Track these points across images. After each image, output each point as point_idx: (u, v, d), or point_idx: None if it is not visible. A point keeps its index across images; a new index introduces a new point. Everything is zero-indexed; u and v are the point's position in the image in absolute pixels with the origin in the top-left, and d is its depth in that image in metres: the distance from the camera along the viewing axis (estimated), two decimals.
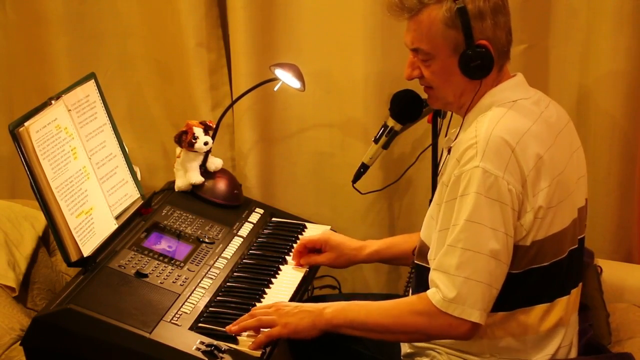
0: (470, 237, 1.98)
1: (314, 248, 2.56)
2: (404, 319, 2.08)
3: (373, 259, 2.54)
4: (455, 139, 2.14)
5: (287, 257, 2.57)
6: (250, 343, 2.13)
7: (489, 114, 2.05)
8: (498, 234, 1.98)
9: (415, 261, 2.20)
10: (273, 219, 2.80)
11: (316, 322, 2.13)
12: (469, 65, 2.04)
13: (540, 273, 2.08)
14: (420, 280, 2.16)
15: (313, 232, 2.74)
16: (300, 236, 2.70)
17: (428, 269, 2.08)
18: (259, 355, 2.11)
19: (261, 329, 2.15)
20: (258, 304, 2.30)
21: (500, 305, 2.06)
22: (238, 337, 2.15)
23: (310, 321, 2.13)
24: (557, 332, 2.13)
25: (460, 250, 1.99)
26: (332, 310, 2.13)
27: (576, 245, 2.17)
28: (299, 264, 2.53)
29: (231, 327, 2.15)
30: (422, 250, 2.16)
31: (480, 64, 2.04)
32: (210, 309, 2.27)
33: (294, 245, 2.60)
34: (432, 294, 2.03)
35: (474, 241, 1.98)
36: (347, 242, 2.54)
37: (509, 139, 2.00)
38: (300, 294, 2.46)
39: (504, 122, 2.02)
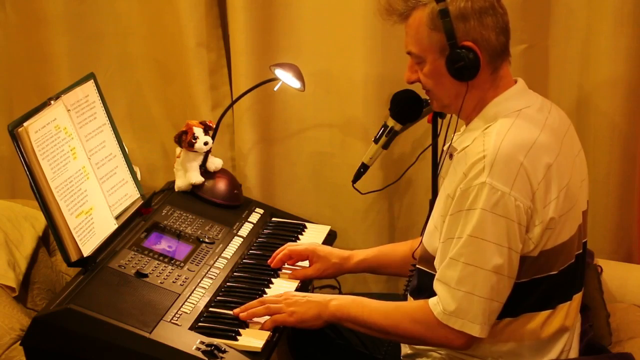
0: (472, 252, 1.97)
1: (300, 260, 2.52)
2: (403, 325, 2.09)
3: (360, 267, 2.51)
4: (458, 149, 2.11)
5: None
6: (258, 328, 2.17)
7: (496, 127, 2.02)
8: (502, 249, 1.97)
9: (418, 265, 2.19)
10: (273, 219, 2.80)
11: (321, 313, 2.16)
12: (454, 67, 2.02)
13: (549, 281, 2.07)
14: (420, 285, 2.16)
15: (313, 232, 2.74)
16: (300, 236, 2.70)
17: (430, 274, 2.08)
18: (260, 350, 2.11)
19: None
20: None
21: (507, 312, 2.06)
22: (245, 323, 2.19)
23: (316, 312, 2.16)
24: (559, 337, 2.13)
25: (462, 264, 1.98)
26: (337, 303, 2.16)
27: (581, 250, 2.16)
28: (277, 266, 2.48)
29: (240, 313, 2.19)
30: (425, 257, 2.15)
31: (464, 65, 2.01)
32: (210, 309, 2.27)
33: None
34: (434, 305, 2.03)
35: (476, 257, 1.97)
36: (335, 252, 2.51)
37: (517, 152, 1.97)
38: None
39: (511, 135, 2.00)
